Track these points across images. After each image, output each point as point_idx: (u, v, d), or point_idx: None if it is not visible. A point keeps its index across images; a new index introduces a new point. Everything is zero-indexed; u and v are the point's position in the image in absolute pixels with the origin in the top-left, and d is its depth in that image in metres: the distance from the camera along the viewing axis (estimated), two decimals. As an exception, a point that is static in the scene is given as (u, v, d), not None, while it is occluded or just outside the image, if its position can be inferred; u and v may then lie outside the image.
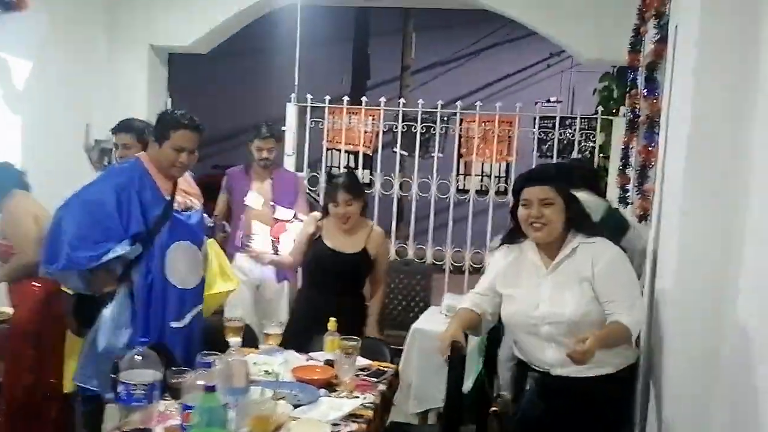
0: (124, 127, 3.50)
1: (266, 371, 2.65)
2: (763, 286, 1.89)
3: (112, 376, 2.57)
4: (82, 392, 2.90)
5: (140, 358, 2.03)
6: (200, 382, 1.78)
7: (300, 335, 3.16)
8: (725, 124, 2.18)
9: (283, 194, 4.19)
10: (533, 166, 4.89)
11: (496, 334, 3.04)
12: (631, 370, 2.47)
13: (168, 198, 2.94)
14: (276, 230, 4.00)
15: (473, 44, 12.84)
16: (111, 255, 2.72)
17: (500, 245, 2.66)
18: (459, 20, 11.05)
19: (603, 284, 2.34)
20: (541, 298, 2.42)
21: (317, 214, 3.58)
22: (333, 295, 3.38)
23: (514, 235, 2.57)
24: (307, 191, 4.87)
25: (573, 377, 2.34)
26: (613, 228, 3.22)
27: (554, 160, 4.90)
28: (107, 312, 2.78)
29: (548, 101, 11.22)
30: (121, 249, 2.74)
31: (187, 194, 3.08)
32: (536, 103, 11.33)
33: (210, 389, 1.69)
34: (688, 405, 2.26)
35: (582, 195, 3.33)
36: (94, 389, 2.81)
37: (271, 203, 4.14)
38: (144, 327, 2.83)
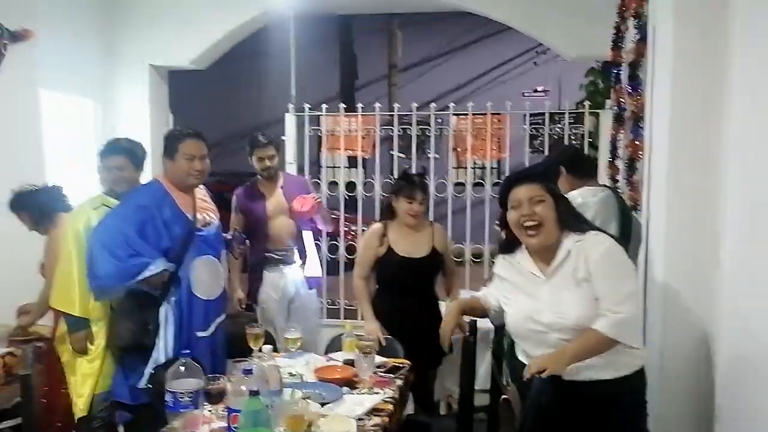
0: (115, 149, 3.37)
1: (290, 373, 2.82)
2: (746, 270, 2.10)
3: (149, 386, 2.80)
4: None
5: (183, 368, 2.22)
6: (243, 387, 1.97)
7: (420, 353, 3.27)
8: (702, 122, 2.38)
9: (296, 198, 4.15)
10: (525, 164, 5.11)
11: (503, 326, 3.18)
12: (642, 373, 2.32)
13: (191, 216, 3.13)
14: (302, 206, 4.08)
15: (459, 39, 12.99)
16: (147, 273, 2.92)
17: (498, 256, 2.58)
18: (444, 16, 11.21)
19: (595, 281, 2.22)
20: (543, 306, 2.31)
21: (377, 226, 3.64)
22: (410, 300, 3.52)
23: (510, 244, 2.47)
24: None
25: (583, 381, 2.24)
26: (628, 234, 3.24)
27: (546, 155, 5.06)
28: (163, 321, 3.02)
29: (536, 91, 11.41)
30: (157, 267, 2.94)
31: (204, 209, 3.27)
32: (524, 94, 11.53)
33: (254, 393, 1.87)
34: (685, 397, 2.45)
35: (595, 190, 3.48)
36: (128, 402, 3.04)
37: (288, 210, 4.13)
38: (177, 338, 3.03)
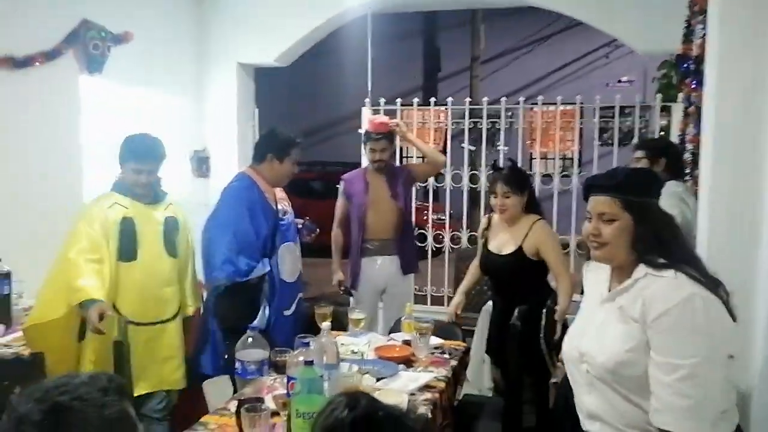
0: (153, 154, 3.24)
1: (353, 351, 3.07)
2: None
3: (226, 357, 3.12)
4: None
5: (251, 340, 2.50)
6: (301, 359, 2.22)
7: (493, 343, 3.48)
8: (745, 119, 2.42)
9: (399, 186, 4.23)
10: (593, 158, 5.13)
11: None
12: None
13: (275, 207, 3.46)
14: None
15: (541, 30, 12.88)
16: (255, 273, 3.29)
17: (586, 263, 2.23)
18: (527, 9, 11.18)
19: (657, 340, 1.77)
20: (590, 330, 1.97)
21: (483, 220, 3.70)
22: (499, 297, 3.50)
23: None
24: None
25: None
26: None
27: (616, 149, 5.09)
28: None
29: (620, 81, 11.21)
30: (263, 268, 3.31)
31: (282, 200, 3.58)
32: (607, 85, 11.35)
33: (309, 363, 2.11)
34: None
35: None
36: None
37: (391, 197, 4.20)
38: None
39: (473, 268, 3.80)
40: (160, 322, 3.26)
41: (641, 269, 1.86)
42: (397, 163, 5.30)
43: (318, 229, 3.89)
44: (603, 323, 1.92)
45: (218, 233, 3.29)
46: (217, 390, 2.87)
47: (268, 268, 3.33)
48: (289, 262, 3.47)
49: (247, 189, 3.41)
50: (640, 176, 2.03)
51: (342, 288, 4.36)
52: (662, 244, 1.86)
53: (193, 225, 3.55)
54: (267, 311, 3.34)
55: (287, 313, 3.48)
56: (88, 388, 1.20)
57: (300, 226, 3.72)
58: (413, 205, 5.20)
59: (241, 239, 3.26)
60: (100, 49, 4.35)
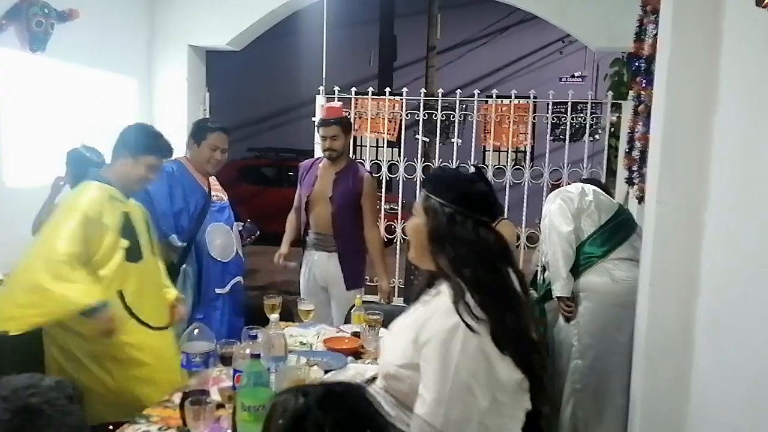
0: (166, 148, 3.00)
1: (301, 342, 3.05)
2: (723, 266, 2.21)
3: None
4: None
5: (197, 331, 2.45)
6: (248, 351, 2.18)
7: None
8: (694, 120, 2.46)
9: (341, 190, 3.95)
10: (545, 153, 5.15)
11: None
12: None
13: (206, 189, 3.56)
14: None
15: (498, 22, 12.95)
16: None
17: None
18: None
19: (421, 366, 1.68)
20: (400, 326, 1.86)
21: None
22: None
23: None
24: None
25: None
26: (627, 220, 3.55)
27: (567, 144, 5.16)
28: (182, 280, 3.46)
29: (573, 76, 11.38)
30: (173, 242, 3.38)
31: (216, 191, 3.70)
32: (561, 79, 11.51)
33: (255, 356, 2.08)
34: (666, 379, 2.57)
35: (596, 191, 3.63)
36: None
37: (328, 198, 3.95)
38: (196, 294, 3.47)
39: None
40: (165, 327, 2.96)
41: (442, 284, 1.73)
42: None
43: (258, 232, 3.80)
44: (402, 327, 1.81)
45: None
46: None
47: (177, 244, 3.39)
48: (218, 241, 3.55)
49: (170, 166, 3.42)
50: (446, 175, 1.93)
51: (282, 263, 4.15)
52: (452, 255, 1.71)
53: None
54: (189, 283, 3.45)
55: (220, 291, 3.55)
56: (56, 393, 1.24)
57: (240, 228, 3.77)
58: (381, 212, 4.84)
59: (158, 207, 3.32)
60: (44, 26, 4.18)
